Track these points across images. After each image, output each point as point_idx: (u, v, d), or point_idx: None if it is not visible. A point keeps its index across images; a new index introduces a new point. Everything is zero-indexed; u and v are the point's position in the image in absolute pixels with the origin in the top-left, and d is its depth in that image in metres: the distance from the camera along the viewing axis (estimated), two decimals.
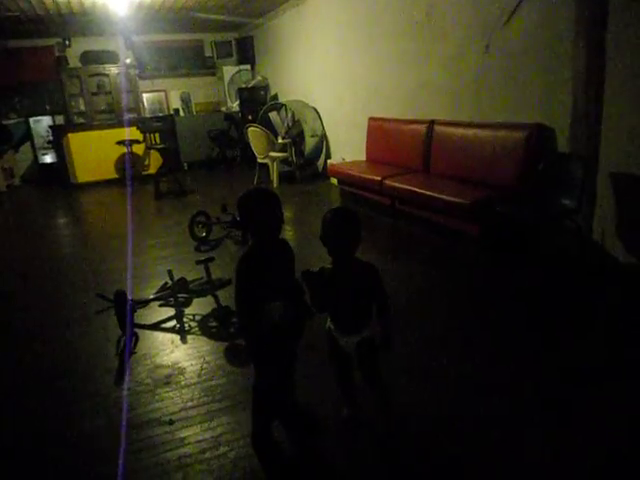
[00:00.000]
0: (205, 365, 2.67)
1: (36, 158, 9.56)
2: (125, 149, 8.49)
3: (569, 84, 3.46)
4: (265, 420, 2.00)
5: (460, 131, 4.49)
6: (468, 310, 3.08)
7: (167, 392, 2.45)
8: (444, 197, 4.00)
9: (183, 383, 2.52)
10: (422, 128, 5.04)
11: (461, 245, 4.07)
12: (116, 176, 8.76)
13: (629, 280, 3.23)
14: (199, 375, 2.57)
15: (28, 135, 9.41)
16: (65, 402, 2.44)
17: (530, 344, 2.61)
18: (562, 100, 3.55)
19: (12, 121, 9.38)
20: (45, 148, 9.40)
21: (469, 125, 4.42)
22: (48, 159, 9.42)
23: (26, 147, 9.59)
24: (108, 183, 8.65)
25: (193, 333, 3.04)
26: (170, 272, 3.33)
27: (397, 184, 4.70)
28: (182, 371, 2.63)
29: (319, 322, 2.03)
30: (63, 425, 2.26)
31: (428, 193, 4.21)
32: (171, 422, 2.20)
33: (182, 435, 2.11)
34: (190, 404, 2.34)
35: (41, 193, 8.77)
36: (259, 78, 9.66)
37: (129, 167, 8.30)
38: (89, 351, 2.91)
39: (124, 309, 2.99)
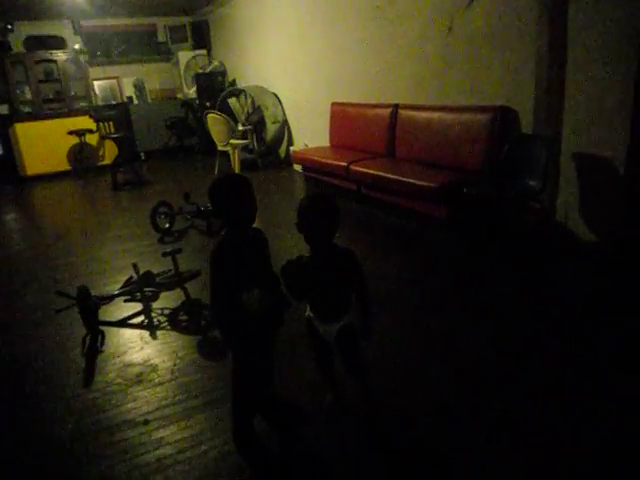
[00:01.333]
0: (178, 361, 2.57)
1: None
2: (78, 139, 8.15)
3: (531, 65, 3.50)
4: (246, 413, 1.94)
5: (425, 115, 4.49)
6: (440, 293, 3.09)
7: (140, 391, 2.35)
8: (412, 181, 3.99)
9: (156, 381, 2.42)
10: (386, 112, 5.01)
11: (430, 229, 4.10)
12: (68, 168, 8.39)
13: (591, 257, 3.32)
14: (172, 372, 2.48)
15: None
16: (30, 406, 2.31)
17: (502, 324, 2.65)
18: (525, 82, 3.59)
19: None
20: None
21: (434, 108, 4.42)
22: None
23: None
24: (60, 175, 8.27)
25: (163, 328, 2.93)
26: (135, 265, 3.20)
27: (363, 169, 4.66)
28: (154, 368, 2.53)
29: (297, 311, 1.98)
30: (29, 430, 2.14)
31: (395, 177, 4.19)
32: (146, 422, 2.11)
33: (159, 435, 2.02)
34: (165, 402, 2.25)
35: None
36: (216, 63, 9.41)
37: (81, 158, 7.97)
38: (53, 352, 2.76)
39: (88, 306, 2.85)
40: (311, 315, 1.94)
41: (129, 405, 2.24)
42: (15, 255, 4.60)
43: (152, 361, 2.60)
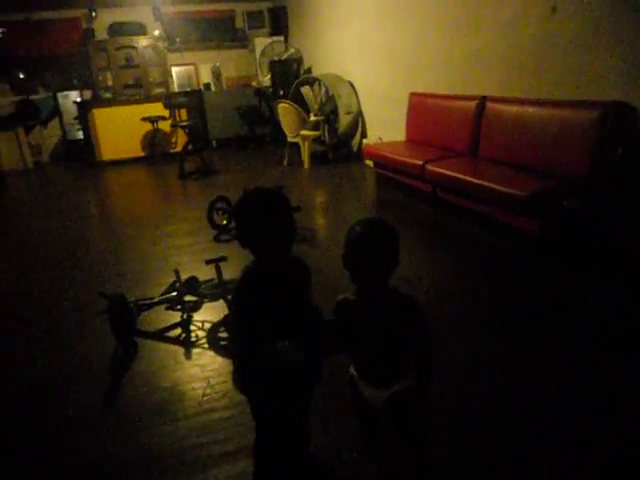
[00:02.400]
0: (209, 390, 2.24)
1: (64, 134, 9.32)
2: (151, 126, 8.15)
3: None
4: None
5: (517, 109, 3.86)
6: (522, 326, 2.54)
7: (158, 425, 2.03)
8: (497, 187, 3.42)
9: (180, 414, 2.10)
10: (471, 105, 4.41)
11: (515, 244, 3.49)
12: (142, 154, 8.43)
13: None
14: (200, 404, 2.15)
15: (56, 111, 9.16)
16: (29, 430, 2.07)
17: (597, 375, 2.08)
18: None
19: (40, 96, 9.15)
20: (73, 124, 9.14)
21: (528, 102, 3.78)
22: (76, 136, 9.17)
23: (55, 123, 9.36)
24: (134, 161, 8.33)
25: (199, 346, 2.62)
26: (177, 272, 2.91)
27: (440, 169, 4.12)
28: (181, 397, 2.21)
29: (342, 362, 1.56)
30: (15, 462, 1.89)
31: (477, 181, 3.63)
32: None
33: None
34: (184, 444, 1.92)
35: (65, 171, 8.53)
36: (292, 50, 9.08)
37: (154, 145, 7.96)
38: (79, 364, 2.53)
39: (121, 316, 2.59)
40: (354, 373, 1.50)
41: (142, 441, 1.94)
42: (76, 243, 4.51)
43: (180, 387, 2.28)
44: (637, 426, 1.77)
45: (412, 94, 5.45)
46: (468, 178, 3.74)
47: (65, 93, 9.10)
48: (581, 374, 2.12)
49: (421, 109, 5.27)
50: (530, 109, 3.73)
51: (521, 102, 3.86)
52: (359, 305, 1.38)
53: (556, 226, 3.11)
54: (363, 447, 1.70)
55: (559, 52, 3.55)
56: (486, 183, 3.54)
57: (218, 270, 2.80)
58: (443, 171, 4.07)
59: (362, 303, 1.38)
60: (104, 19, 9.26)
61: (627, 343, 2.32)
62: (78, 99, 8.77)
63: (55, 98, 9.02)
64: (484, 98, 4.30)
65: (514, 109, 3.90)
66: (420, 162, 4.40)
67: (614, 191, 2.91)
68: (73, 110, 8.74)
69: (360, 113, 7.09)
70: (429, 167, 4.27)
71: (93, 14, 9.04)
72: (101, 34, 9.28)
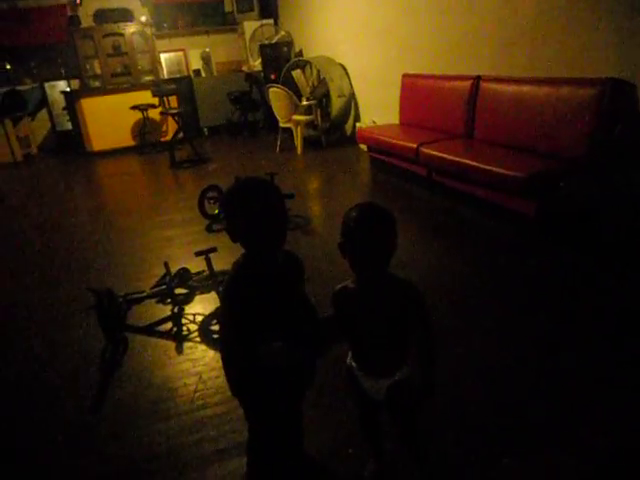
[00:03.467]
0: (201, 386, 2.18)
1: (53, 126, 9.17)
2: (141, 114, 8.01)
3: None
4: None
5: (512, 89, 3.76)
6: (516, 313, 2.48)
7: (150, 424, 1.98)
8: (493, 169, 3.34)
9: (172, 412, 2.04)
10: (465, 85, 4.31)
11: (512, 227, 3.42)
12: (132, 143, 8.30)
13: None
14: (192, 400, 2.10)
15: (44, 101, 8.99)
16: (16, 430, 2.01)
17: (594, 360, 2.02)
18: None
19: (27, 87, 8.97)
20: (62, 115, 8.97)
21: (524, 81, 3.68)
22: (65, 127, 9.01)
23: (43, 114, 9.19)
24: (124, 151, 8.20)
25: (191, 340, 2.56)
26: (167, 265, 2.84)
27: (436, 152, 4.03)
28: (173, 393, 2.16)
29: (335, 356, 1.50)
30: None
31: (473, 164, 3.55)
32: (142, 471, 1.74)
33: None
34: (177, 443, 1.87)
35: (56, 163, 8.39)
36: (282, 33, 8.90)
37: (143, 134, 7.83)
38: (67, 361, 2.47)
39: (110, 311, 2.52)
40: (353, 365, 1.45)
41: (133, 441, 1.88)
42: (60, 239, 4.42)
43: (172, 383, 2.22)
44: (637, 421, 1.72)
45: (405, 75, 5.34)
46: (463, 160, 3.66)
47: (52, 83, 8.92)
48: (580, 362, 2.07)
49: (414, 91, 5.16)
50: (525, 88, 3.63)
51: (516, 81, 3.76)
52: (359, 293, 1.32)
53: (553, 208, 3.04)
54: (361, 442, 1.66)
55: (555, 29, 3.45)
56: (482, 165, 3.46)
57: (208, 262, 2.72)
58: (438, 154, 3.98)
59: (362, 290, 1.32)
60: (89, 6, 9.06)
61: (625, 326, 2.26)
62: (66, 89, 8.60)
63: (42, 88, 8.85)
64: (478, 78, 4.20)
65: (509, 88, 3.81)
66: (414, 145, 4.31)
67: (612, 170, 2.84)
68: (61, 100, 8.58)
69: (353, 96, 6.97)
70: (424, 150, 4.18)
71: (78, 1, 8.84)
72: (87, 21, 9.09)
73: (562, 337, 2.24)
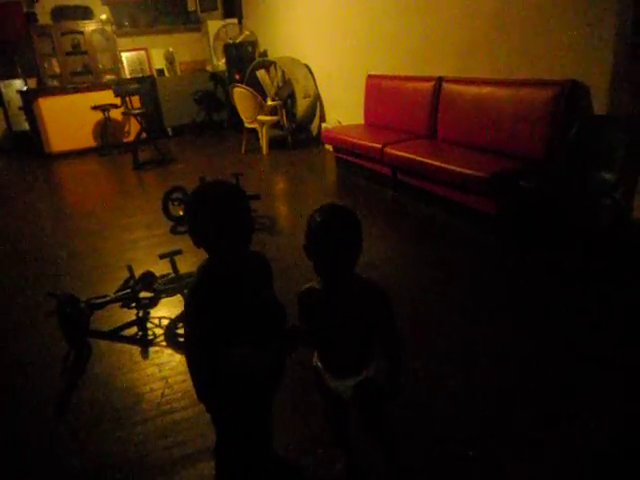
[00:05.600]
0: (167, 390, 2.16)
1: (9, 126, 8.84)
2: (102, 115, 7.82)
3: (610, 26, 2.83)
4: None
5: (473, 90, 3.85)
6: (481, 306, 2.54)
7: (116, 430, 1.94)
8: (456, 169, 3.41)
9: (138, 417, 2.01)
10: (428, 86, 4.39)
11: (475, 226, 3.50)
12: (94, 144, 8.09)
13: None
14: (159, 405, 2.07)
15: None
16: None
17: (559, 347, 2.10)
18: (600, 48, 2.93)
19: None
20: (19, 115, 8.66)
21: (484, 83, 3.77)
22: (22, 127, 8.70)
23: None
24: (85, 152, 7.98)
25: (157, 344, 2.52)
26: (130, 268, 2.79)
27: (399, 152, 4.09)
28: (139, 399, 2.12)
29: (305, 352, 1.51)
30: None
31: (436, 163, 3.61)
32: None
33: None
34: (144, 448, 1.84)
35: (12, 164, 8.11)
36: (247, 33, 8.83)
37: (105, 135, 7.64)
38: (28, 369, 2.40)
39: (71, 317, 2.46)
40: (319, 365, 1.46)
41: (98, 448, 1.84)
42: (25, 241, 4.28)
43: (138, 389, 2.19)
44: (635, 416, 1.78)
45: (369, 76, 5.39)
46: (427, 160, 3.72)
47: (8, 82, 8.61)
48: (556, 358, 2.14)
49: (379, 91, 5.21)
50: (486, 89, 3.73)
51: (477, 82, 3.85)
52: (324, 294, 1.32)
53: (513, 206, 3.13)
54: (330, 442, 1.67)
55: (514, 31, 3.55)
56: (444, 165, 3.53)
57: (173, 264, 2.69)
58: (402, 154, 4.04)
59: (327, 292, 1.32)
60: (46, 3, 8.76)
61: (595, 318, 2.35)
62: (23, 88, 8.31)
63: None
64: (440, 79, 4.28)
65: (470, 89, 3.89)
66: (379, 145, 4.36)
67: (569, 169, 2.94)
68: (17, 100, 8.29)
69: (318, 97, 6.98)
70: (388, 150, 4.23)
71: None
72: (44, 19, 8.79)
73: (531, 332, 2.31)
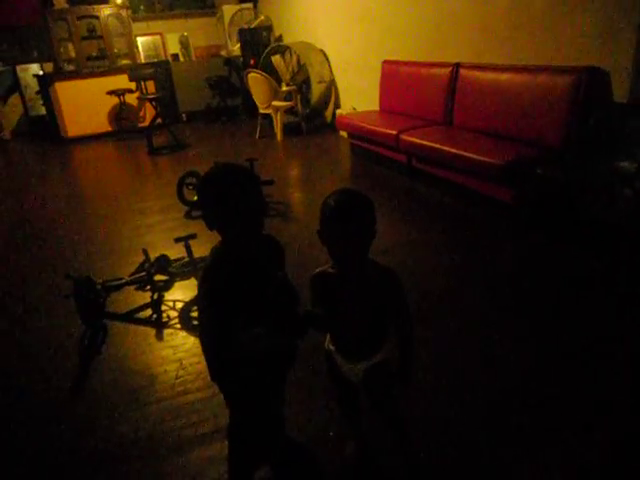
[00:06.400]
0: (181, 372, 2.19)
1: (26, 110, 8.93)
2: (118, 99, 7.86)
3: (634, 12, 2.76)
4: (246, 470, 1.52)
5: (491, 76, 3.79)
6: (496, 297, 2.53)
7: (131, 410, 1.98)
8: (472, 156, 3.37)
9: (152, 398, 2.04)
10: (445, 72, 4.33)
11: (491, 214, 3.47)
12: (109, 129, 8.14)
13: None
14: (173, 386, 2.10)
15: (16, 85, 8.75)
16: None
17: (578, 338, 2.08)
18: (622, 34, 2.86)
19: None
20: (36, 99, 8.74)
21: (502, 69, 3.72)
22: (39, 111, 8.78)
23: (16, 98, 8.95)
24: (101, 137, 8.05)
25: (171, 326, 2.55)
26: (145, 251, 2.82)
27: (415, 139, 4.05)
28: (153, 380, 2.15)
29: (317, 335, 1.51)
30: None
31: (452, 150, 3.58)
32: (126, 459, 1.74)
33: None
34: (159, 429, 1.87)
35: (29, 149, 8.20)
36: (262, 18, 8.79)
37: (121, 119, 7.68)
38: (45, 349, 2.44)
39: (88, 298, 2.50)
40: (332, 349, 1.46)
41: (113, 428, 1.88)
42: (43, 224, 4.35)
43: (152, 370, 2.22)
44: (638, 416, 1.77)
45: (385, 62, 5.33)
46: (443, 147, 3.69)
47: (25, 66, 8.68)
48: (563, 354, 2.12)
49: (394, 77, 5.16)
50: (504, 76, 3.67)
51: (495, 68, 3.79)
52: (338, 278, 1.32)
53: (529, 195, 3.09)
54: (341, 425, 1.68)
55: (533, 17, 3.48)
56: (460, 152, 3.49)
57: (188, 248, 2.71)
58: (417, 140, 4.01)
59: (341, 276, 1.32)
60: None
61: (611, 314, 2.33)
62: (39, 72, 8.38)
63: (14, 72, 8.61)
64: (457, 65, 4.22)
65: (488, 76, 3.83)
66: (394, 132, 4.32)
67: (586, 158, 2.89)
68: (34, 84, 8.36)
69: (333, 82, 6.94)
70: (403, 137, 4.20)
71: None
72: (60, 3, 8.82)
73: (544, 325, 2.30)
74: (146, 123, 7.93)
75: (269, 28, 8.49)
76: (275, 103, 6.65)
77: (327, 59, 6.94)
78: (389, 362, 1.43)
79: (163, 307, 2.72)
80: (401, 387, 1.45)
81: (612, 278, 2.57)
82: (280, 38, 8.49)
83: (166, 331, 2.52)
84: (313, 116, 7.09)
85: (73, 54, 9.06)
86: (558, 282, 2.60)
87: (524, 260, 2.90)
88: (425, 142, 3.90)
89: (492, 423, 1.73)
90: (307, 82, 6.85)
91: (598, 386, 1.86)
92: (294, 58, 7.14)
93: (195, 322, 2.55)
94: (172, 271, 2.76)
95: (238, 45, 8.65)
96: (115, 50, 9.21)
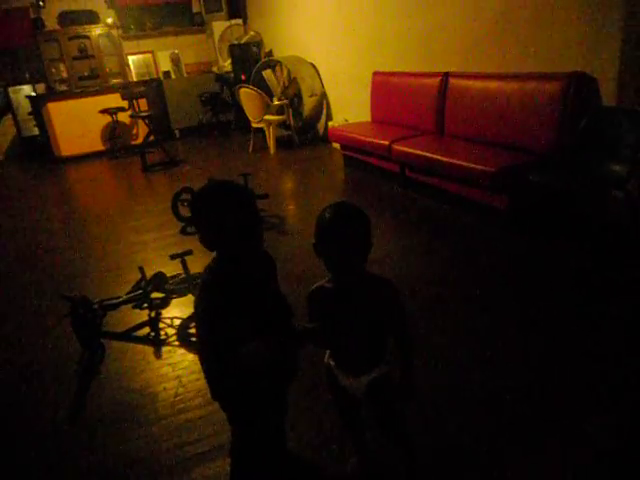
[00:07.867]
0: (181, 389, 2.18)
1: (19, 131, 8.93)
2: (110, 118, 7.88)
3: (618, 16, 2.81)
4: None
5: (480, 84, 3.83)
6: (493, 304, 2.53)
7: (131, 429, 1.96)
8: (464, 164, 3.40)
9: (152, 417, 2.03)
10: (434, 82, 4.37)
11: (485, 221, 3.49)
12: (103, 148, 8.16)
13: None
14: (172, 404, 2.09)
15: (8, 106, 8.75)
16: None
17: (574, 344, 2.09)
18: (608, 39, 2.90)
19: None
20: (28, 120, 8.74)
21: (491, 77, 3.76)
22: (32, 132, 8.78)
23: (8, 120, 8.96)
24: (95, 156, 8.05)
25: (169, 344, 2.54)
26: (142, 269, 2.81)
27: (407, 149, 4.08)
28: (153, 398, 2.14)
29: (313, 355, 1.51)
30: None
31: (444, 159, 3.60)
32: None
33: None
34: (159, 447, 1.86)
35: (23, 170, 8.20)
36: (252, 33, 8.86)
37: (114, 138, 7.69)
38: (43, 370, 2.43)
39: (85, 318, 2.48)
40: (332, 364, 1.46)
41: (113, 449, 1.86)
42: (32, 247, 4.32)
43: (152, 389, 2.21)
44: (637, 415, 1.77)
45: (375, 73, 5.38)
46: (435, 156, 3.72)
47: (17, 87, 8.69)
48: (564, 354, 2.13)
49: (385, 88, 5.20)
50: (493, 83, 3.71)
51: (484, 77, 3.84)
52: (335, 292, 1.32)
53: (523, 201, 3.12)
54: (343, 439, 1.68)
55: (519, 23, 3.53)
56: (453, 160, 3.52)
57: (184, 265, 2.71)
58: (410, 150, 4.03)
59: (338, 290, 1.32)
60: (53, 8, 8.85)
61: (606, 316, 2.34)
62: (32, 93, 8.40)
63: (6, 93, 8.61)
64: (447, 74, 4.26)
65: (477, 84, 3.88)
66: (386, 142, 4.35)
67: (577, 163, 2.92)
68: (27, 105, 8.36)
69: (324, 95, 6.98)
70: (396, 147, 4.23)
71: (41, 3, 8.62)
72: (51, 24, 8.88)
73: (543, 326, 2.30)
74: (139, 140, 7.96)
75: (259, 43, 8.55)
76: (267, 117, 6.69)
77: (318, 72, 7.00)
78: (390, 375, 1.42)
79: (161, 324, 2.71)
80: (404, 402, 1.44)
81: (607, 280, 2.58)
82: (270, 53, 8.55)
83: (164, 349, 2.51)
84: (306, 129, 7.13)
85: (65, 74, 9.11)
86: (552, 285, 2.62)
87: (518, 265, 2.91)
88: (417, 151, 3.93)
89: (492, 423, 1.72)
90: (299, 95, 6.89)
91: (594, 382, 1.86)
92: (285, 72, 7.19)
93: (193, 339, 2.54)
94: (169, 288, 2.75)
95: (229, 61, 8.71)
96: (107, 69, 9.27)
